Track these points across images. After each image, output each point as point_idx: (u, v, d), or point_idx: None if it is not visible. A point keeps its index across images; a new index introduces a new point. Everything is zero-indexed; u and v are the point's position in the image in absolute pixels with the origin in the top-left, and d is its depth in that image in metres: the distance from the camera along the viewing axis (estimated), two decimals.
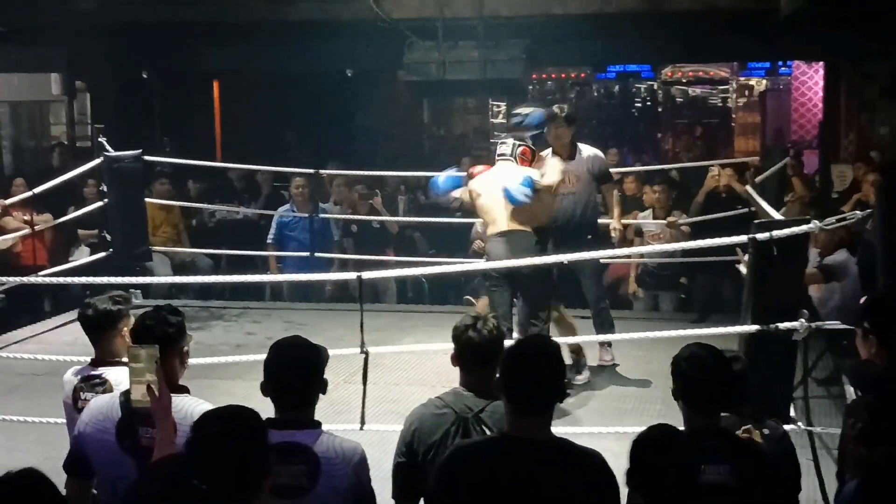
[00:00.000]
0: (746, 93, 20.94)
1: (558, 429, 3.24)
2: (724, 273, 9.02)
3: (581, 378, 7.28)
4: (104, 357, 4.17)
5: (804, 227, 5.32)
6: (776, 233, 5.22)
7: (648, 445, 3.08)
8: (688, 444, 3.16)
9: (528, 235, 6.76)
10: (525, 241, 6.72)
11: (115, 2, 13.46)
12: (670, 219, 9.40)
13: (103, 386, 4.04)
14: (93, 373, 4.13)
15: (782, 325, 5.26)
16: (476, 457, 3.19)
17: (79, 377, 4.14)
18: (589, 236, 7.51)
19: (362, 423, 5.65)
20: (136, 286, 8.51)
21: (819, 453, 5.36)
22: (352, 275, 6.52)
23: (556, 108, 7.52)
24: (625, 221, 10.00)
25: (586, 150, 7.59)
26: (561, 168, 7.18)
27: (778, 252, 5.19)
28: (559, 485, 3.08)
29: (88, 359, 4.24)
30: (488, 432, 3.55)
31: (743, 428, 3.75)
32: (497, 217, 6.78)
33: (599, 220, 7.89)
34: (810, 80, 18.08)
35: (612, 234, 7.89)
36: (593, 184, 7.59)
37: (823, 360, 7.11)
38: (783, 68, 19.10)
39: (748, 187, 8.88)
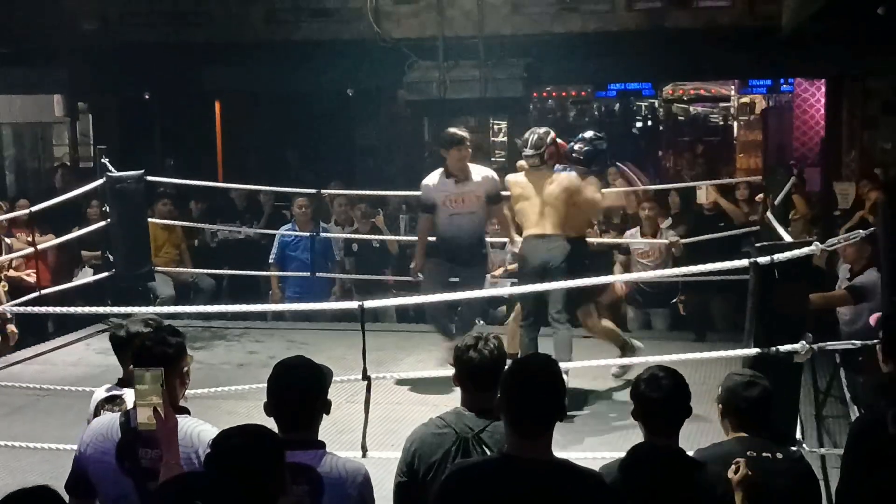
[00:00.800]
0: (748, 110, 20.91)
1: (560, 452, 3.22)
2: (715, 290, 9.08)
3: (618, 371, 7.52)
4: (130, 377, 4.18)
5: (806, 250, 5.26)
6: (778, 256, 5.18)
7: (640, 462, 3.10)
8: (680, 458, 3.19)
9: (562, 238, 7.22)
10: (560, 242, 7.20)
11: (117, 23, 13.52)
12: (671, 239, 9.42)
13: (120, 406, 4.06)
14: (116, 392, 4.18)
15: (783, 348, 5.22)
16: (475, 477, 3.17)
17: (105, 395, 4.18)
18: (483, 251, 8.30)
19: (364, 450, 5.63)
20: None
21: (827, 473, 5.35)
22: (353, 304, 6.55)
23: (459, 132, 7.96)
24: (616, 240, 10.05)
25: (481, 172, 7.98)
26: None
27: (780, 274, 5.15)
28: None
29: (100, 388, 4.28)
30: (489, 452, 3.54)
31: (734, 461, 3.73)
32: (535, 219, 7.29)
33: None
34: (812, 97, 18.06)
35: (513, 250, 8.24)
36: (487, 203, 7.93)
37: (833, 381, 7.07)
38: (785, 85, 19.05)
39: (769, 214, 8.82)
